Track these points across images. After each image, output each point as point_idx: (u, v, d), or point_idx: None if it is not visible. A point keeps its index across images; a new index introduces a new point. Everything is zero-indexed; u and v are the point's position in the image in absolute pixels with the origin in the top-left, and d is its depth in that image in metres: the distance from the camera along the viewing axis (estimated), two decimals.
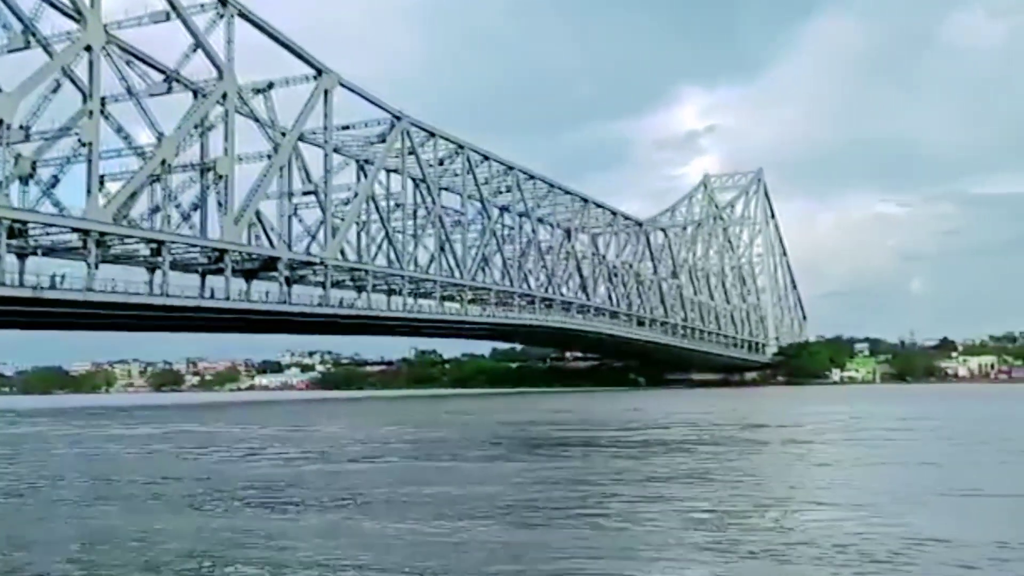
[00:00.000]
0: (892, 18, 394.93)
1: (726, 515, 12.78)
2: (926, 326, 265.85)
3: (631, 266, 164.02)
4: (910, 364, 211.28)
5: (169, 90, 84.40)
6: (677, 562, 9.72)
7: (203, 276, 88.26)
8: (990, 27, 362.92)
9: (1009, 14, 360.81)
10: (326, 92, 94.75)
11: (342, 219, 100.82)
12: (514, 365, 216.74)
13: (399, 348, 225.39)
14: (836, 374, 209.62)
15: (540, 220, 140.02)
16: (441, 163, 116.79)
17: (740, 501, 14.23)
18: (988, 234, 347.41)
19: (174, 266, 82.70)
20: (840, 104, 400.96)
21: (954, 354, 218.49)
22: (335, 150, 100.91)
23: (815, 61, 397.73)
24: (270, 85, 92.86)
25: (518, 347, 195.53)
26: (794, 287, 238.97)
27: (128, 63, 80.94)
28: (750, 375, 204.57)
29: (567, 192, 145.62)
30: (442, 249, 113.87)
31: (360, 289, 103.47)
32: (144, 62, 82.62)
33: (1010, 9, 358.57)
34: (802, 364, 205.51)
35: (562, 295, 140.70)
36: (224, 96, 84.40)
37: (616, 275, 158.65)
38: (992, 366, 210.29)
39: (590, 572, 9.18)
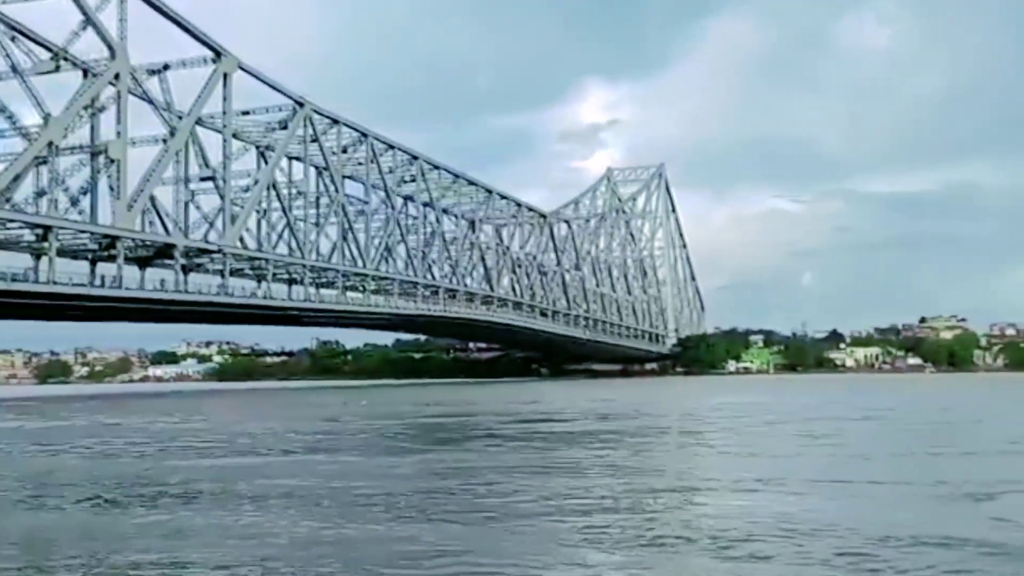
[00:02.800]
0: (787, 19, 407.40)
1: (622, 503, 12.99)
2: (817, 319, 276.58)
3: (535, 258, 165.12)
4: (802, 355, 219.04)
5: (57, 69, 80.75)
6: (573, 551, 9.82)
7: (93, 263, 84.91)
8: (878, 31, 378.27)
9: (896, 20, 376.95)
10: (225, 76, 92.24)
11: (241, 206, 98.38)
12: (417, 356, 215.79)
13: (300, 338, 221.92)
14: (732, 365, 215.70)
15: (444, 211, 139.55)
16: (344, 151, 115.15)
17: (636, 489, 14.49)
18: (875, 231, 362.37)
19: (62, 252, 79.21)
20: (737, 101, 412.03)
21: (842, 346, 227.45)
22: (234, 135, 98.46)
23: (714, 59, 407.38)
24: (165, 67, 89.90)
25: (422, 338, 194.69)
26: (693, 280, 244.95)
27: (13, 39, 77.04)
28: (650, 366, 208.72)
29: (471, 183, 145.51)
30: (344, 238, 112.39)
31: (260, 278, 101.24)
32: (30, 39, 78.76)
33: (897, 16, 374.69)
34: (700, 355, 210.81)
35: (466, 286, 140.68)
36: (116, 76, 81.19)
37: (520, 266, 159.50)
38: (877, 357, 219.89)
39: (486, 566, 9.19)
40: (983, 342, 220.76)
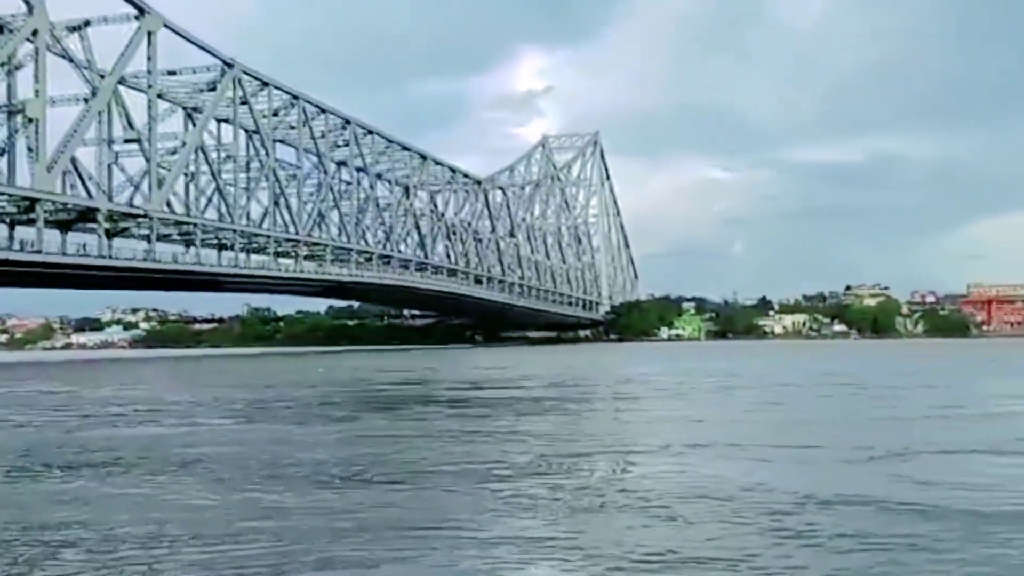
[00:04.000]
0: None
1: (552, 468, 13.01)
2: (747, 286, 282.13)
3: (469, 224, 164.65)
4: (732, 322, 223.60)
5: None
6: (501, 516, 9.78)
7: (11, 227, 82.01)
8: (810, 4, 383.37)
9: None
10: (149, 34, 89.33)
11: (168, 169, 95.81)
12: (351, 323, 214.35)
13: (231, 305, 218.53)
14: (665, 332, 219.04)
15: (378, 176, 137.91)
16: (276, 114, 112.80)
17: (565, 454, 14.53)
18: (802, 200, 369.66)
19: None
20: (672, 70, 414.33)
21: (771, 313, 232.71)
22: (160, 96, 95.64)
23: (649, 27, 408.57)
24: (86, 23, 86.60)
25: (355, 304, 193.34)
26: (627, 247, 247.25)
27: None
28: (584, 332, 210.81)
29: (406, 148, 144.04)
30: (276, 204, 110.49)
31: (188, 243, 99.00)
32: None
33: None
34: (633, 322, 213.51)
35: (400, 252, 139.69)
36: (34, 33, 78.03)
37: (455, 233, 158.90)
38: (804, 324, 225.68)
39: (415, 532, 9.09)
40: (904, 309, 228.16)
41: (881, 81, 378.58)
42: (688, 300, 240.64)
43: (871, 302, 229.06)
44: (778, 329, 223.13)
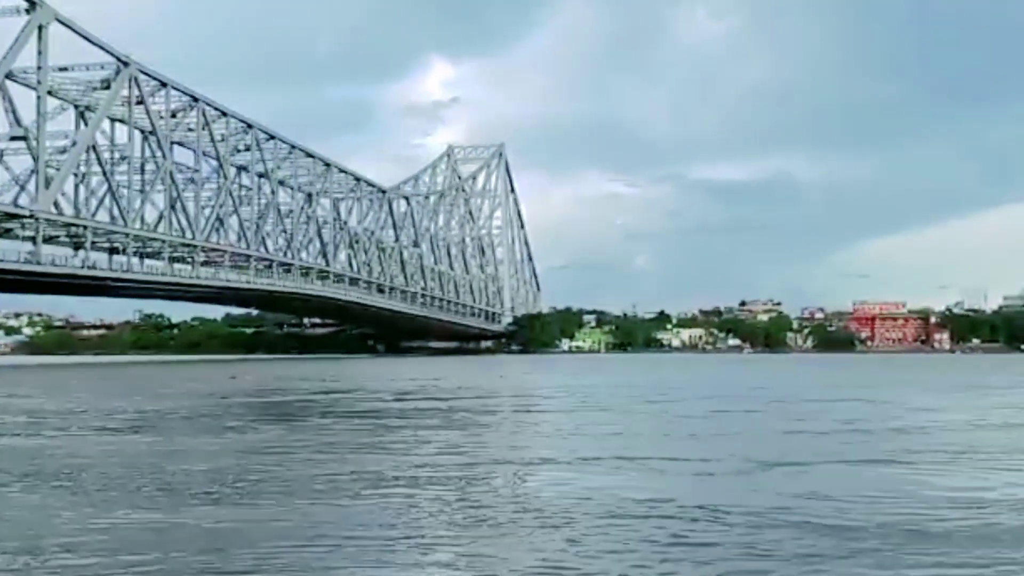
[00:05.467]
0: (628, 8, 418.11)
1: (447, 481, 13.08)
2: (648, 300, 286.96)
3: (373, 233, 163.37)
4: (632, 335, 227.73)
5: None
6: (394, 529, 9.81)
7: None
8: (711, 26, 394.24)
9: (727, 15, 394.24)
10: (40, 27, 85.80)
11: (57, 169, 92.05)
12: (249, 331, 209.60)
13: (121, 310, 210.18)
14: (565, 344, 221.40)
15: (281, 182, 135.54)
16: (173, 115, 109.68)
17: (461, 466, 14.62)
18: (701, 216, 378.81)
19: None
20: (577, 85, 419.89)
21: (669, 326, 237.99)
22: (50, 93, 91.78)
23: (556, 42, 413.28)
24: None
25: (254, 312, 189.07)
26: (530, 259, 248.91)
27: None
28: (485, 344, 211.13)
29: (309, 155, 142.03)
30: (172, 207, 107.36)
31: (78, 246, 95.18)
32: None
33: (728, 10, 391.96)
34: (535, 334, 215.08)
35: (302, 260, 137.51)
36: None
37: (357, 242, 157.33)
38: (700, 337, 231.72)
39: (306, 546, 9.03)
40: (795, 325, 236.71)
41: (779, 102, 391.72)
42: (589, 313, 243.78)
43: (764, 317, 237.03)
44: (676, 342, 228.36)
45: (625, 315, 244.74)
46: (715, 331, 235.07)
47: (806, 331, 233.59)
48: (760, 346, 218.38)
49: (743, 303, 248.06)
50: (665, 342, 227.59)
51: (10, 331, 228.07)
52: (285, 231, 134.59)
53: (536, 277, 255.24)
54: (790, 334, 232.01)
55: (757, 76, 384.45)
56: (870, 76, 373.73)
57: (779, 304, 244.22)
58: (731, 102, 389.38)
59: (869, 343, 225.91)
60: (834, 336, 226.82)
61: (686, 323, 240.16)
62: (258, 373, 68.38)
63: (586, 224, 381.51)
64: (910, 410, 28.98)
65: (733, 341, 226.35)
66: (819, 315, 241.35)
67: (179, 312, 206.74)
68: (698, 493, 12.01)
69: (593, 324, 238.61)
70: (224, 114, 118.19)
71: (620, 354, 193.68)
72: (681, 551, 8.73)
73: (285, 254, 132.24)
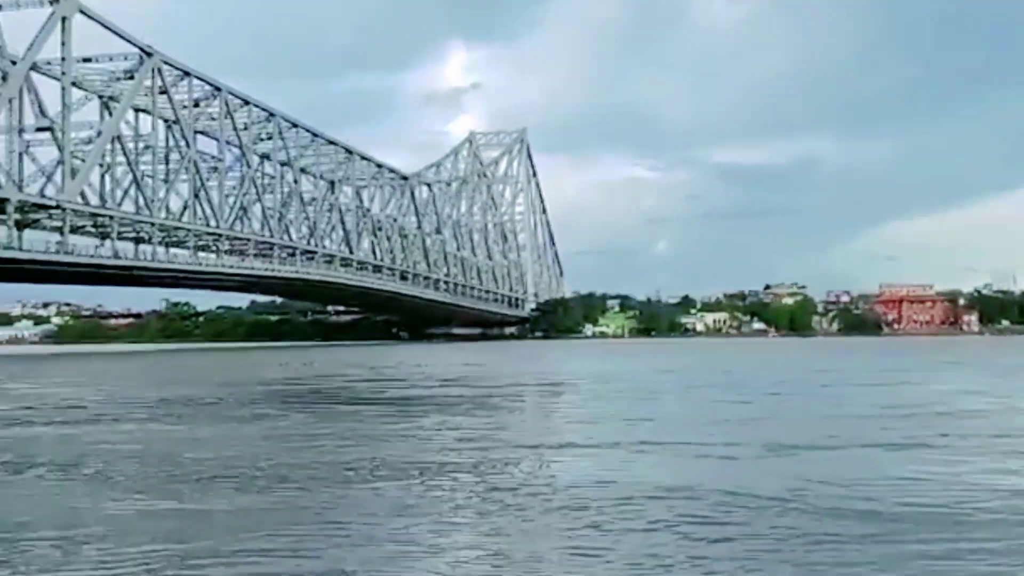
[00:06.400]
0: None
1: (473, 467, 13.06)
2: (671, 284, 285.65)
3: (395, 220, 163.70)
4: (655, 320, 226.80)
5: None
6: (418, 517, 9.80)
7: None
8: (730, 10, 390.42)
9: (745, 1, 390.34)
10: (64, 19, 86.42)
11: (83, 160, 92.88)
12: (274, 318, 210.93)
13: (148, 300, 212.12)
14: (589, 329, 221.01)
15: (303, 170, 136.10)
16: (196, 105, 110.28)
17: (488, 453, 14.59)
18: (725, 200, 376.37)
19: None
20: (597, 70, 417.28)
21: (693, 311, 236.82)
22: (74, 84, 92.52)
23: (576, 26, 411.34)
24: None
25: (278, 300, 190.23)
26: (553, 244, 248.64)
27: None
28: (509, 330, 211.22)
29: (331, 142, 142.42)
30: (197, 196, 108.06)
31: (104, 236, 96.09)
32: None
33: None
34: (558, 320, 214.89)
35: (325, 248, 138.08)
36: None
37: (380, 229, 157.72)
38: (725, 322, 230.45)
39: (326, 531, 9.05)
40: (820, 308, 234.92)
41: (800, 85, 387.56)
42: (612, 298, 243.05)
43: (789, 301, 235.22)
44: (700, 327, 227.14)
45: (649, 300, 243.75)
46: (739, 315, 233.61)
47: (831, 314, 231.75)
48: (785, 330, 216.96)
49: (767, 287, 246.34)
50: (689, 327, 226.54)
51: (39, 321, 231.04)
52: (308, 219, 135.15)
53: (559, 262, 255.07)
54: (815, 317, 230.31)
55: (777, 59, 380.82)
56: (892, 58, 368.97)
57: (804, 288, 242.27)
58: (752, 85, 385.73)
59: (896, 326, 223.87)
60: (860, 319, 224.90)
61: (710, 307, 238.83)
62: (283, 360, 68.74)
63: (608, 209, 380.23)
64: (954, 393, 28.48)
65: (758, 325, 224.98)
66: (844, 298, 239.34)
67: (205, 301, 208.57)
68: (726, 477, 11.90)
69: (617, 309, 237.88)
70: (246, 103, 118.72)
71: (644, 339, 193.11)
72: (705, 535, 8.66)
73: (308, 242, 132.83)
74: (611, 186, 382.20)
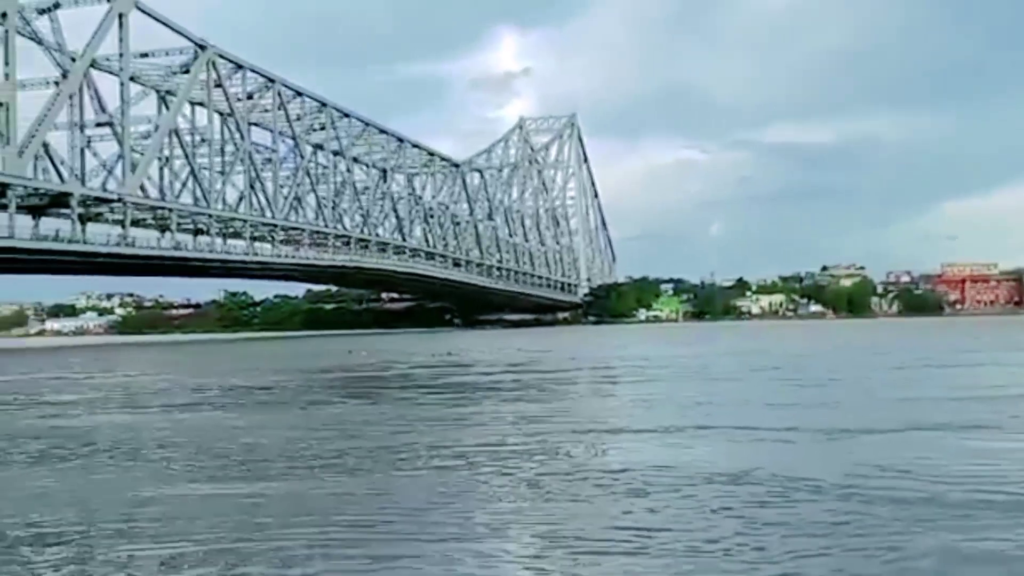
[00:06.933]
0: None
1: (534, 452, 13.04)
2: (725, 267, 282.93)
3: (447, 207, 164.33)
4: (710, 303, 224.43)
5: None
6: (480, 502, 9.81)
7: None
8: None
9: None
10: (121, 16, 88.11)
11: (142, 154, 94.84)
12: (329, 307, 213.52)
13: (207, 290, 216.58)
14: (643, 313, 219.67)
15: (355, 159, 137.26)
16: (250, 97, 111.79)
17: (549, 437, 14.56)
18: (780, 181, 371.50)
19: None
20: (648, 52, 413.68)
21: (748, 293, 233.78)
22: (132, 79, 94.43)
23: (626, 8, 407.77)
24: (56, 5, 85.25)
25: (333, 288, 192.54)
26: (604, 229, 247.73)
27: None
28: (562, 315, 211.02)
29: (383, 131, 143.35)
30: (252, 187, 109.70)
31: (164, 228, 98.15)
32: None
33: None
34: (611, 304, 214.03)
35: (378, 236, 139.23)
36: (3, 15, 76.81)
37: (432, 216, 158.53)
38: (781, 304, 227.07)
39: (387, 518, 9.09)
40: (879, 289, 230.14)
41: (856, 63, 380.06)
42: (666, 282, 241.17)
43: (847, 282, 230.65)
44: (755, 309, 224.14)
45: (702, 283, 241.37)
46: (796, 297, 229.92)
47: (891, 295, 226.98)
48: (843, 312, 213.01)
49: (824, 268, 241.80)
50: (744, 310, 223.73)
51: (103, 312, 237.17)
52: (361, 208, 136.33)
53: (611, 247, 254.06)
54: (874, 299, 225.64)
55: (831, 35, 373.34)
56: (951, 31, 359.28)
57: (862, 268, 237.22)
58: (805, 63, 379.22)
59: (959, 306, 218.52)
60: (921, 300, 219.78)
61: (765, 290, 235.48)
62: (341, 347, 69.51)
63: (660, 192, 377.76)
64: None
65: (814, 307, 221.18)
66: (905, 279, 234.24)
67: (261, 290, 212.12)
68: (785, 462, 11.69)
69: (670, 293, 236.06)
70: (299, 94, 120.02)
71: (698, 323, 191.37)
72: (763, 521, 8.51)
73: (362, 230, 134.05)
74: (663, 169, 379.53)
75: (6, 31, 77.53)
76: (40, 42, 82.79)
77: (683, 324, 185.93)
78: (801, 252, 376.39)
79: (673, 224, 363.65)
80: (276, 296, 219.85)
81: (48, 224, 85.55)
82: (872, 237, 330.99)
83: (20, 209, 79.51)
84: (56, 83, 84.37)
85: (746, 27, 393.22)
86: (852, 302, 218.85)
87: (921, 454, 12.18)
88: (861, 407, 19.33)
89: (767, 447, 13.60)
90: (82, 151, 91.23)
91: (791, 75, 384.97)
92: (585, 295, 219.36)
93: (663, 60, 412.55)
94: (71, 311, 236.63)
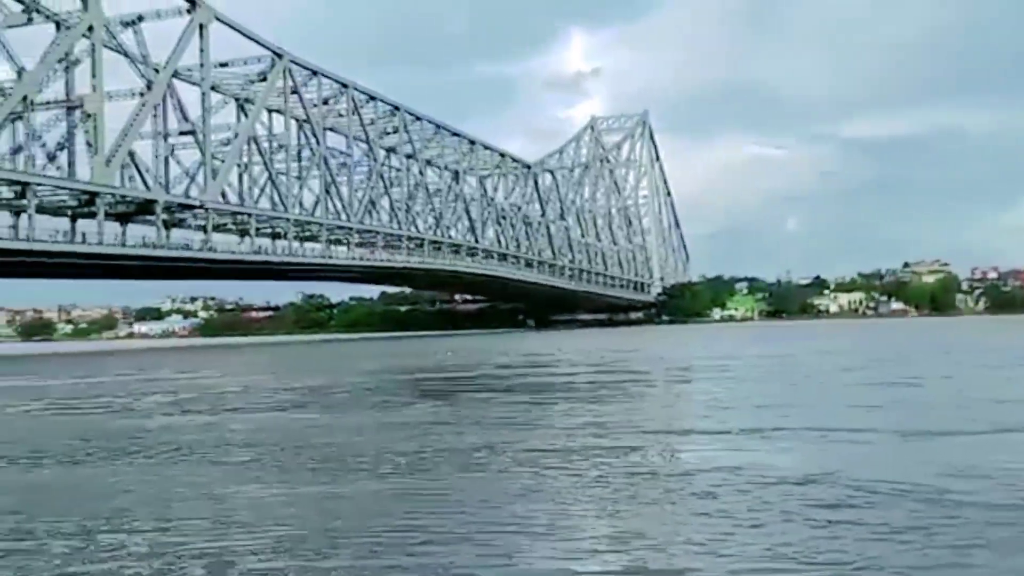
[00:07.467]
0: None
1: (610, 453, 13.00)
2: (801, 265, 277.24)
3: (519, 208, 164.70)
4: (786, 302, 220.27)
5: (29, 21, 79.04)
6: (556, 506, 9.82)
7: (73, 220, 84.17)
8: None
9: None
10: (201, 27, 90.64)
11: (222, 160, 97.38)
12: (403, 308, 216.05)
13: (285, 293, 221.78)
14: (717, 313, 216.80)
15: (428, 162, 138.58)
16: (325, 103, 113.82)
17: (625, 440, 14.50)
18: (859, 176, 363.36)
19: (41, 209, 78.52)
20: (720, 48, 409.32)
21: (826, 291, 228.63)
22: (213, 88, 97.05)
23: (697, 6, 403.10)
24: (140, 18, 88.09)
25: (407, 290, 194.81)
26: (678, 228, 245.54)
27: None
28: (635, 315, 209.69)
29: (454, 134, 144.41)
30: (327, 192, 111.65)
31: (243, 233, 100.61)
32: None
33: None
34: (685, 304, 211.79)
35: (450, 238, 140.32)
36: (90, 29, 79.68)
37: (504, 217, 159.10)
38: (860, 302, 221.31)
39: (460, 519, 9.17)
40: (965, 286, 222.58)
41: (937, 53, 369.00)
42: (740, 280, 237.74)
43: (930, 279, 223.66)
44: (834, 308, 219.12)
45: (778, 281, 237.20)
46: (876, 295, 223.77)
47: (977, 292, 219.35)
48: (926, 309, 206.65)
49: (906, 265, 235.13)
50: (822, 308, 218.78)
51: (187, 315, 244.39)
52: (434, 210, 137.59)
53: (685, 245, 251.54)
54: (959, 296, 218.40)
55: (914, 24, 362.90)
56: None
57: (947, 264, 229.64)
58: (884, 54, 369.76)
59: None
60: (1010, 296, 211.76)
61: (844, 287, 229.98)
62: (416, 349, 70.33)
63: (734, 189, 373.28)
64: None
65: (896, 305, 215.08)
66: (992, 275, 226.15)
67: (338, 292, 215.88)
68: (867, 466, 11.41)
69: (745, 291, 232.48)
70: (372, 98, 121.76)
71: (774, 321, 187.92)
72: (840, 528, 8.31)
73: (435, 232, 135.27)
74: (736, 166, 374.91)
75: (93, 45, 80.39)
76: (126, 54, 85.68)
77: (759, 323, 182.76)
78: (882, 248, 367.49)
79: (748, 221, 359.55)
80: (351, 298, 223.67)
81: (134, 230, 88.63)
82: (957, 232, 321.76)
83: (108, 216, 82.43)
84: (141, 94, 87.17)
85: (821, 17, 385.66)
86: (936, 300, 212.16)
87: (1016, 457, 11.78)
88: (950, 408, 18.75)
89: (849, 449, 13.31)
90: (166, 159, 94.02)
91: (868, 67, 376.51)
92: (658, 294, 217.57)
93: (735, 55, 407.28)
94: (157, 314, 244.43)
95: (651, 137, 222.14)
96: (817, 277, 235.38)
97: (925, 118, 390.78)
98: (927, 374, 29.21)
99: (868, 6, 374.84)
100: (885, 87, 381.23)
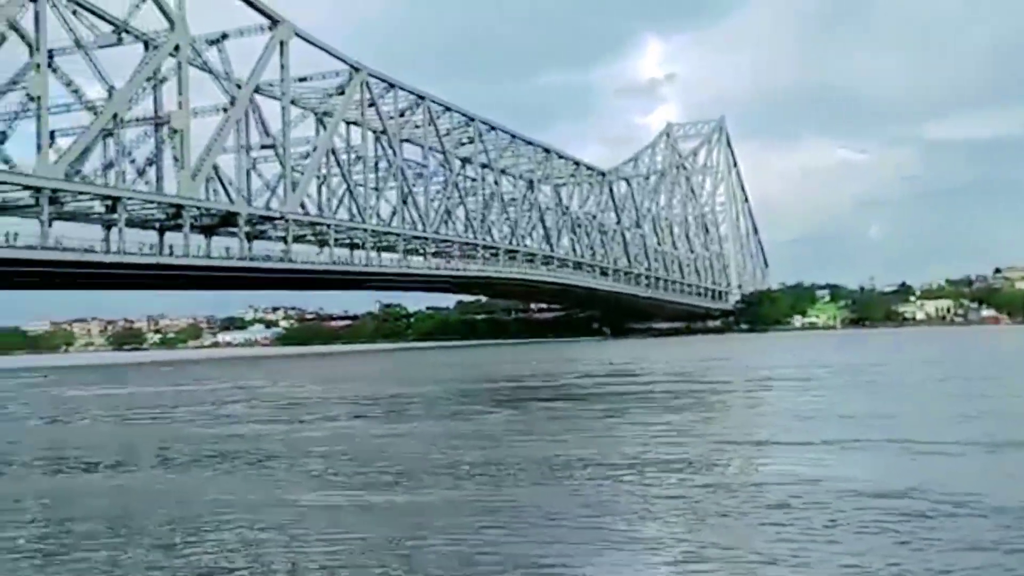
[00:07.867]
0: None
1: (687, 465, 12.87)
2: (885, 272, 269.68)
3: (594, 216, 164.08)
4: (870, 309, 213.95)
5: (119, 42, 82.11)
6: (651, 521, 9.75)
7: (161, 232, 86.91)
8: None
9: None
10: (281, 43, 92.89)
11: (302, 173, 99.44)
12: (480, 317, 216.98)
13: (363, 302, 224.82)
14: (798, 320, 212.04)
15: (503, 171, 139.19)
16: (402, 115, 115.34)
17: (703, 450, 14.34)
18: (945, 178, 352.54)
19: (131, 223, 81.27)
20: (797, 51, 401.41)
21: (912, 298, 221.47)
22: (293, 102, 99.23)
23: (772, 8, 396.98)
24: (223, 36, 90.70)
25: (483, 299, 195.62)
26: (756, 234, 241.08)
27: (75, 14, 78.26)
28: (712, 323, 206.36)
29: (529, 143, 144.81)
30: (404, 202, 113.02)
31: (322, 243, 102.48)
32: (92, 13, 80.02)
33: None
34: (764, 311, 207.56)
35: (526, 247, 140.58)
36: (176, 48, 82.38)
37: (580, 226, 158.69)
38: (948, 309, 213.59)
39: (536, 530, 9.18)
40: None
41: (1022, 51, 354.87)
42: (822, 287, 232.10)
43: (1023, 285, 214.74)
44: (920, 315, 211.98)
45: (862, 289, 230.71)
46: (965, 302, 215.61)
47: None
48: (1020, 316, 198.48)
49: (998, 270, 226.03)
50: (908, 315, 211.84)
51: (269, 324, 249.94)
52: (509, 219, 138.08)
53: (763, 252, 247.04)
54: None
55: (996, 26, 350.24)
56: None
57: None
58: (970, 53, 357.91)
59: None
60: None
61: (931, 295, 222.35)
62: (494, 358, 70.56)
63: (814, 195, 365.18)
64: None
65: (987, 312, 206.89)
66: None
67: (415, 302, 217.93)
68: (946, 480, 11.03)
69: (827, 299, 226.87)
70: (448, 109, 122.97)
71: (858, 330, 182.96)
72: (920, 544, 8.08)
73: (510, 241, 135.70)
74: (816, 171, 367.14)
75: (180, 63, 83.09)
76: (210, 71, 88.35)
77: (841, 332, 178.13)
78: (971, 254, 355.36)
79: (829, 227, 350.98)
80: (428, 307, 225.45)
81: (218, 242, 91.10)
82: None
83: (193, 228, 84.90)
84: (224, 109, 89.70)
85: (904, 17, 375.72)
86: None
87: None
88: None
89: (930, 462, 12.90)
90: (248, 172, 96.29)
91: (954, 65, 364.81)
92: (736, 302, 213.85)
93: (813, 58, 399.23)
94: (240, 324, 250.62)
95: (728, 142, 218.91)
96: (902, 284, 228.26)
97: (1013, 118, 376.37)
98: (1019, 384, 28.11)
99: (959, 5, 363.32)
100: (972, 87, 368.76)
